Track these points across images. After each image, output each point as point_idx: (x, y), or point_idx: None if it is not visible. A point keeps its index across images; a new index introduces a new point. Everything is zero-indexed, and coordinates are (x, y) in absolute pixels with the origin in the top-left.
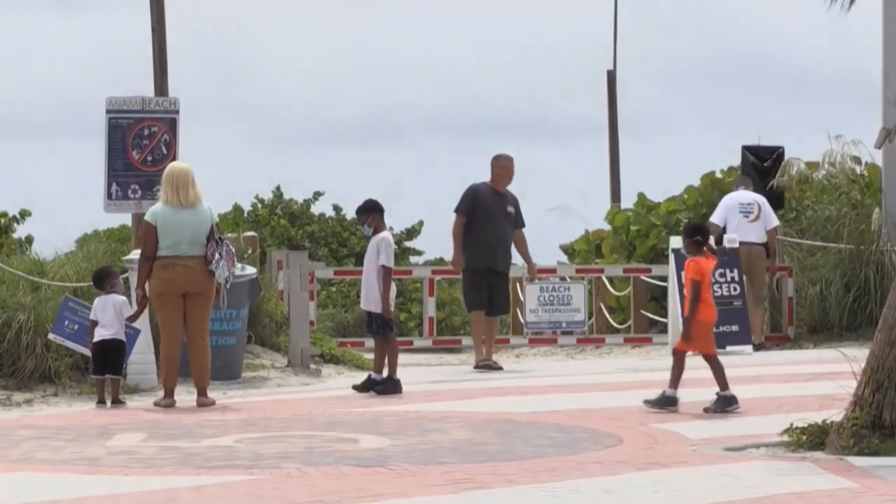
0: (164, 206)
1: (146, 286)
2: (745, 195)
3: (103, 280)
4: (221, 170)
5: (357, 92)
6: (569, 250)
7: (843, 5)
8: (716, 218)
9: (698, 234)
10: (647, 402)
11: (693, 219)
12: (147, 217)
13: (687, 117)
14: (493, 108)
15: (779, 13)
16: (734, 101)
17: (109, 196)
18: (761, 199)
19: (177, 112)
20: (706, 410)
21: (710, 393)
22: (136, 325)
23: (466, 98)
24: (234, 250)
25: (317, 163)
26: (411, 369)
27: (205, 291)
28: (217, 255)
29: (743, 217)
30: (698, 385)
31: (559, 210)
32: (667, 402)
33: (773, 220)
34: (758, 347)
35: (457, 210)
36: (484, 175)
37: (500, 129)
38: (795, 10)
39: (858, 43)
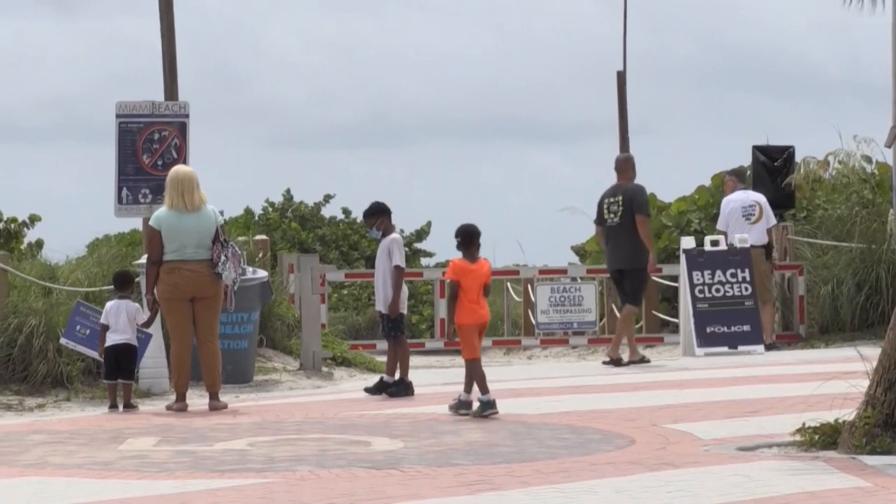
0: (168, 211)
1: (155, 291)
2: (744, 197)
3: (125, 283)
4: (231, 174)
5: (364, 94)
6: (580, 251)
7: (863, 4)
8: (720, 225)
9: (458, 236)
10: (449, 407)
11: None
12: (151, 222)
13: (697, 118)
14: (501, 108)
15: (787, 12)
16: (744, 101)
17: (120, 200)
18: (762, 199)
19: (187, 116)
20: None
21: (719, 393)
22: (150, 328)
23: (475, 99)
24: (240, 252)
25: (325, 165)
26: (423, 371)
27: (212, 295)
28: (223, 258)
29: (745, 220)
30: (709, 385)
31: (568, 211)
32: (460, 406)
33: (773, 219)
34: (769, 347)
35: (649, 214)
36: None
37: (508, 130)
38: (804, 8)
39: (868, 42)
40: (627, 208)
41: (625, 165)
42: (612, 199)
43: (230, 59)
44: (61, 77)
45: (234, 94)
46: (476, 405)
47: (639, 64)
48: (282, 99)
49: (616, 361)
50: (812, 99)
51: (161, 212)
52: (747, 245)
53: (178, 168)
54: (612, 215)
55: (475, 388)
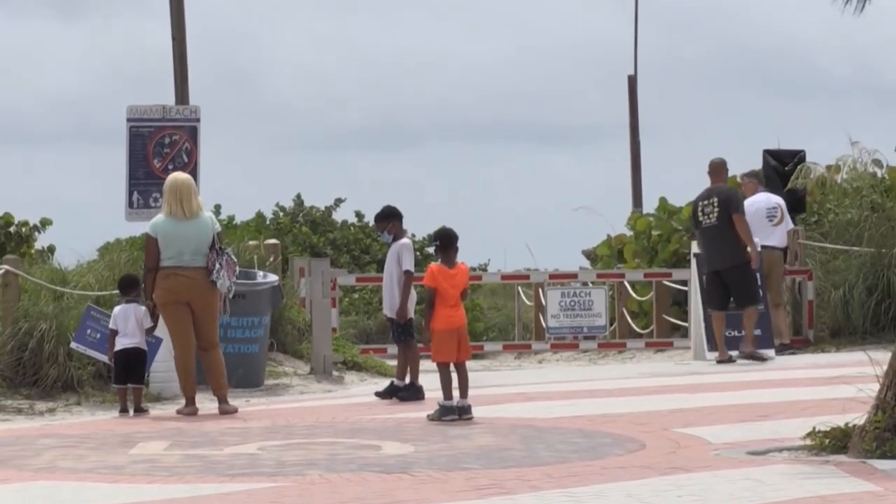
0: (165, 219)
1: (153, 297)
2: (767, 199)
3: (129, 287)
4: (242, 177)
5: (375, 97)
6: (591, 255)
7: (855, 7)
8: None
9: (436, 240)
10: (428, 416)
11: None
12: (148, 229)
13: (708, 121)
14: (512, 111)
15: (797, 16)
16: (755, 104)
17: (131, 204)
18: (781, 202)
19: (198, 120)
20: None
21: (729, 397)
22: (159, 332)
23: (486, 102)
24: (235, 259)
25: (337, 168)
26: (433, 375)
27: (208, 303)
28: (218, 265)
29: (769, 222)
30: (720, 389)
31: (584, 210)
32: (444, 413)
33: (790, 222)
34: (785, 348)
35: (744, 212)
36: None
37: (520, 133)
38: (814, 12)
39: (880, 44)
40: (723, 209)
41: (719, 168)
42: (706, 202)
43: (241, 61)
44: (72, 80)
45: (244, 96)
46: (437, 408)
47: (650, 67)
48: (293, 102)
49: (749, 356)
50: (824, 102)
51: (158, 219)
52: (759, 249)
53: (176, 175)
54: (706, 217)
55: (457, 392)
